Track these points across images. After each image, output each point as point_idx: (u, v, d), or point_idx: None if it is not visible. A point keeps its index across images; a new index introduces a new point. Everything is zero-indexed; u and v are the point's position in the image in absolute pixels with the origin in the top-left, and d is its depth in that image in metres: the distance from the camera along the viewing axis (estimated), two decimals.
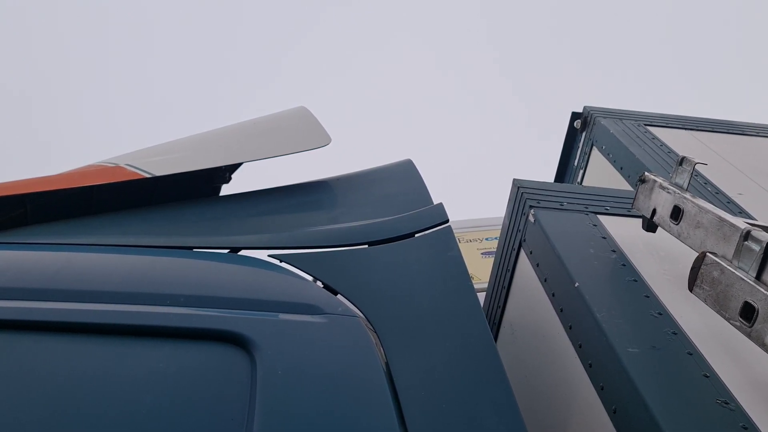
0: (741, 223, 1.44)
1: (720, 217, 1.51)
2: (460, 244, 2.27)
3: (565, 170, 3.40)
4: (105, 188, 2.06)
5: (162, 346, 1.39)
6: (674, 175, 1.79)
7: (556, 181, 3.48)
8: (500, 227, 3.32)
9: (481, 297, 2.54)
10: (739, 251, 1.41)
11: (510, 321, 2.14)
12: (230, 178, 2.62)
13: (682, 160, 1.78)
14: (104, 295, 1.48)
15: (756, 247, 1.36)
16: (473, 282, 2.42)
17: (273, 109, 2.52)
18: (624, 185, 2.67)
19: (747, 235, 1.40)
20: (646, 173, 1.87)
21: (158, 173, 2.03)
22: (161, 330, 1.41)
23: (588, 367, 1.53)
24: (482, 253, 3.54)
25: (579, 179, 3.14)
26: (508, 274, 2.16)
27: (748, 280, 1.33)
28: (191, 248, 1.82)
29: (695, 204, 1.62)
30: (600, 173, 2.95)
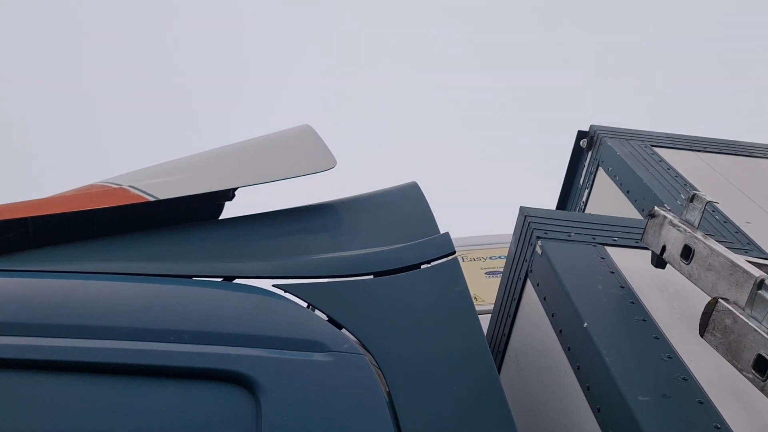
0: (755, 270, 1.42)
1: (732, 262, 1.49)
2: (463, 263, 2.24)
3: (569, 189, 3.38)
4: (108, 210, 2.04)
5: (166, 386, 1.37)
6: (685, 212, 1.77)
7: (560, 199, 3.46)
8: (504, 245, 3.31)
9: (486, 319, 2.53)
10: (752, 300, 1.39)
11: (515, 351, 2.12)
12: (234, 195, 2.59)
13: (692, 197, 1.76)
14: (108, 331, 1.46)
15: None
16: (476, 303, 2.40)
17: (277, 122, 2.50)
18: (630, 208, 2.65)
19: (761, 284, 1.38)
20: (656, 208, 1.85)
21: (161, 196, 2.01)
22: (166, 370, 1.39)
23: (596, 411, 1.52)
24: (486, 273, 3.50)
25: (584, 199, 3.12)
26: (514, 303, 2.14)
27: (762, 332, 1.31)
28: (195, 276, 1.80)
29: (707, 245, 1.59)
30: (606, 194, 2.93)
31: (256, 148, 2.36)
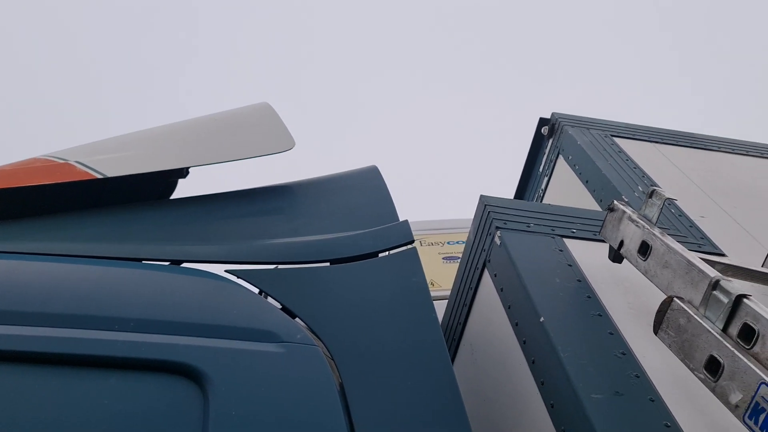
0: (710, 270, 1.43)
1: (689, 261, 1.49)
2: (420, 248, 2.21)
3: (529, 175, 3.38)
4: (52, 187, 1.94)
5: (108, 378, 1.31)
6: (644, 207, 1.77)
7: (519, 185, 3.46)
8: (462, 230, 3.29)
9: (441, 305, 2.51)
10: (706, 300, 1.39)
11: (470, 341, 2.11)
12: (188, 172, 2.51)
13: (652, 193, 1.76)
14: (48, 318, 1.39)
15: (724, 299, 1.34)
16: (433, 289, 2.38)
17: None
18: (589, 198, 2.66)
19: (716, 285, 1.38)
20: (615, 202, 1.85)
21: (110, 174, 1.92)
22: (108, 360, 1.33)
23: (550, 407, 1.52)
24: (444, 258, 3.48)
25: (543, 186, 3.12)
26: (471, 292, 2.13)
27: (715, 333, 1.31)
28: (143, 259, 1.73)
29: (664, 242, 1.60)
30: (565, 183, 2.94)
31: (212, 126, 2.27)
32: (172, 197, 2.33)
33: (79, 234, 1.85)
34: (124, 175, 1.93)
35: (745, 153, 3.13)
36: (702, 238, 2.22)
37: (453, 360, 2.19)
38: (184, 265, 1.74)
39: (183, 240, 1.88)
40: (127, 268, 1.67)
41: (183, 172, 2.48)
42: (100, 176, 1.91)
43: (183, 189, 2.38)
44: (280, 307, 1.61)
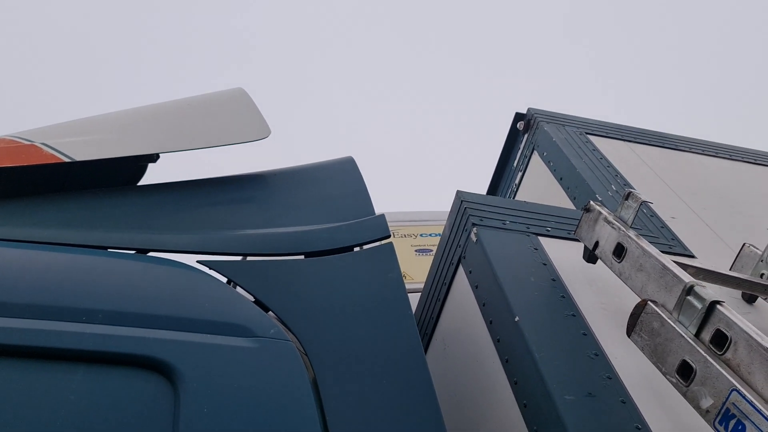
0: (685, 275, 1.44)
1: (663, 265, 1.50)
2: (393, 239, 2.20)
3: (503, 170, 3.39)
4: (15, 169, 1.87)
5: (75, 371, 1.27)
6: (620, 209, 1.78)
7: (493, 179, 3.46)
8: (436, 222, 3.29)
9: (414, 297, 2.50)
10: (680, 304, 1.41)
11: (443, 335, 2.11)
12: (158, 156, 2.44)
13: (628, 195, 1.77)
14: (11, 308, 1.34)
15: (698, 305, 1.36)
16: (405, 281, 2.36)
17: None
18: (562, 195, 2.68)
19: (690, 290, 1.40)
20: (591, 203, 1.85)
21: (78, 158, 1.86)
22: (75, 353, 1.28)
23: (523, 406, 1.52)
24: (417, 251, 3.46)
25: (517, 181, 3.13)
26: (445, 288, 2.12)
27: (688, 338, 1.33)
28: (112, 247, 1.68)
29: (639, 245, 1.61)
30: (539, 178, 2.95)
31: (185, 111, 2.21)
32: (141, 182, 2.27)
33: (43, 219, 1.78)
34: (93, 159, 1.87)
35: (714, 155, 3.18)
36: (673, 239, 2.25)
37: (424, 353, 2.19)
38: (155, 254, 1.70)
39: (153, 228, 1.83)
40: (96, 256, 1.62)
41: (153, 156, 2.42)
42: (67, 160, 1.84)
43: (153, 174, 2.32)
44: (253, 300, 1.58)
